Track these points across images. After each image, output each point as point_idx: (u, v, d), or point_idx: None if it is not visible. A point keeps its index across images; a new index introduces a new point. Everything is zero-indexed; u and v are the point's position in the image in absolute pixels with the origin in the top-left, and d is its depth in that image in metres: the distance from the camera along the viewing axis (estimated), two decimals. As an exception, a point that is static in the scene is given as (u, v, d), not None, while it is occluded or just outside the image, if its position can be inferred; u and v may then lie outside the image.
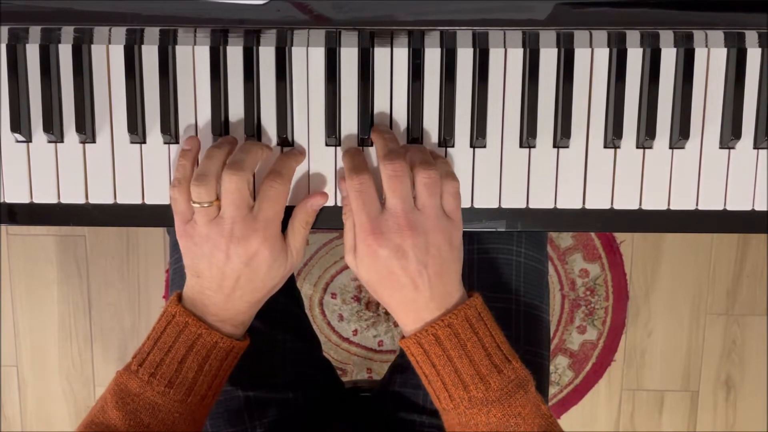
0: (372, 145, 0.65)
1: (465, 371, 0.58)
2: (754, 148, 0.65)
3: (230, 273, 0.61)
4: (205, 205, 0.60)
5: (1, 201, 0.66)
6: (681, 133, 0.64)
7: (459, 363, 0.58)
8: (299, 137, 0.66)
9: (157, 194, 0.66)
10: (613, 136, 0.65)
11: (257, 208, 0.61)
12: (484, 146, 0.65)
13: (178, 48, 0.65)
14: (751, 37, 0.61)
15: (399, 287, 0.59)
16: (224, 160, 0.62)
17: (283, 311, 0.83)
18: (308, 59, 0.65)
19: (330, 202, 0.66)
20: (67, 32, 0.62)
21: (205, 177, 0.60)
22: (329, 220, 0.66)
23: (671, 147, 0.65)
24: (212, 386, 0.64)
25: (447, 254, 0.59)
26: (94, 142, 0.66)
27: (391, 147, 0.61)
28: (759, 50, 0.64)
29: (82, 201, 0.66)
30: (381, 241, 0.58)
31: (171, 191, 0.62)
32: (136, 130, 0.64)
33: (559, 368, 1.55)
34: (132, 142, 0.66)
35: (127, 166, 0.66)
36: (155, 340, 0.62)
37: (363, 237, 0.59)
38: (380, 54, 0.64)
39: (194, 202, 0.60)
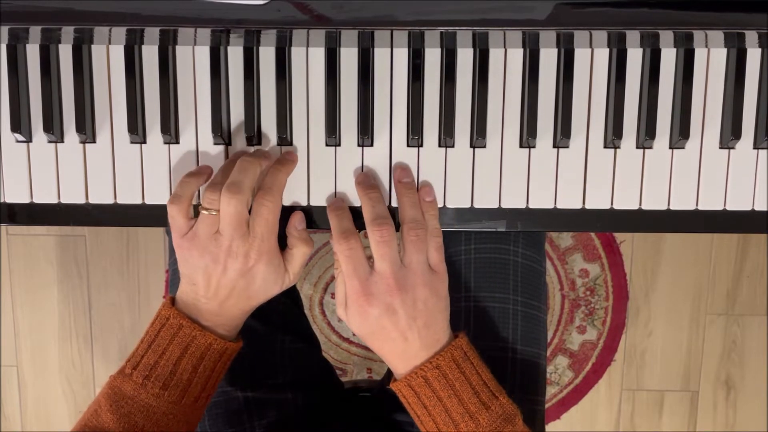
0: (371, 145, 0.65)
1: (455, 410, 0.61)
2: (754, 148, 0.65)
3: (226, 283, 0.62)
4: (214, 212, 0.60)
5: (1, 201, 0.66)
6: (681, 133, 0.64)
7: (449, 402, 0.61)
8: (299, 137, 0.66)
9: (157, 194, 0.66)
10: (613, 136, 0.65)
11: (251, 225, 0.61)
12: (484, 146, 0.65)
13: (178, 48, 0.65)
14: (751, 37, 0.61)
15: (390, 340, 0.62)
16: None
17: (283, 311, 0.84)
18: (308, 59, 0.65)
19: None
20: (67, 32, 0.62)
21: (218, 186, 0.60)
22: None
23: (671, 147, 0.65)
24: (206, 388, 0.65)
25: (434, 306, 0.62)
26: (94, 142, 0.66)
27: (377, 211, 0.62)
28: (759, 50, 0.64)
29: (82, 201, 0.66)
30: (372, 301, 0.61)
31: (169, 208, 0.62)
32: (136, 130, 0.64)
33: (559, 368, 1.55)
34: (132, 142, 0.66)
35: (127, 166, 0.66)
36: (149, 344, 0.63)
37: (354, 298, 0.61)
38: (380, 54, 0.64)
39: (204, 209, 0.60)
